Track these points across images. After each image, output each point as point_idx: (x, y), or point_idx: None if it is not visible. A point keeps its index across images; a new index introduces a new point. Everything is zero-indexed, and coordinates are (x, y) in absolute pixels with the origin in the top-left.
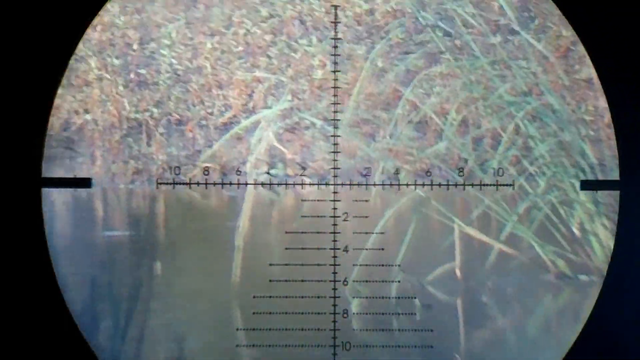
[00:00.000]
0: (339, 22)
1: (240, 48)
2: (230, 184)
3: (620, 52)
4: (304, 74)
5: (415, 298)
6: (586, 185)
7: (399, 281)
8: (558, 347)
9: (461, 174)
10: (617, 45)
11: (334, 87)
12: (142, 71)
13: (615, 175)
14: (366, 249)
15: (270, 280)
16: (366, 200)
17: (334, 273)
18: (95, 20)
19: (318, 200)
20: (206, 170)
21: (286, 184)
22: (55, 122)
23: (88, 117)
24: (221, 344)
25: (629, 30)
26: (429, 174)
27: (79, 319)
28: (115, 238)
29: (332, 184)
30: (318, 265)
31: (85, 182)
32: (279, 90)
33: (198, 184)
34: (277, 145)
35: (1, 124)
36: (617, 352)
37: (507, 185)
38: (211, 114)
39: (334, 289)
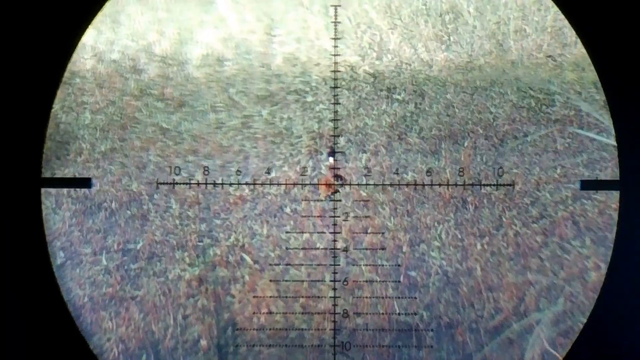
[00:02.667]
0: (339, 22)
1: (510, 249)
2: (230, 184)
3: (620, 52)
4: (577, 276)
5: (415, 298)
6: (586, 185)
7: (398, 281)
8: (559, 347)
9: (461, 174)
10: (617, 46)
11: None
12: (412, 273)
13: (615, 175)
14: (366, 249)
15: (270, 280)
16: (366, 200)
17: (334, 273)
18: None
19: (318, 201)
20: (206, 170)
21: (286, 184)
22: None
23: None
24: (221, 344)
25: (630, 31)
26: (429, 173)
27: (78, 319)
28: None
29: (331, 184)
30: (318, 265)
31: (85, 182)
32: (551, 292)
33: (198, 183)
34: (550, 350)
35: (1, 124)
36: (617, 352)
37: (507, 185)
38: (481, 317)
39: (334, 288)
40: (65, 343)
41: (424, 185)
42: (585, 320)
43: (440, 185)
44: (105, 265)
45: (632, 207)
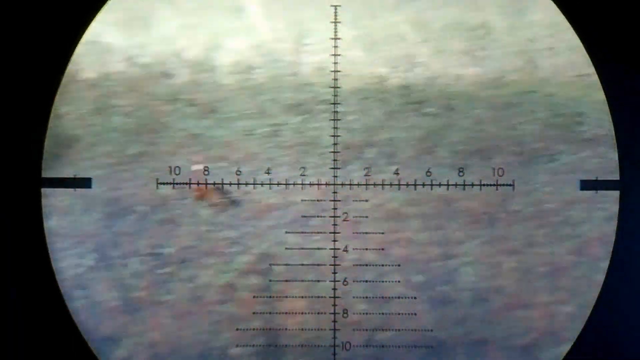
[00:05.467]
0: (339, 22)
1: (542, 269)
2: (230, 184)
3: (620, 51)
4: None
5: (415, 298)
6: (586, 185)
7: (398, 281)
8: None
9: (461, 173)
10: (617, 45)
11: None
12: (445, 288)
13: (615, 175)
14: (366, 249)
15: (270, 280)
16: (366, 200)
17: (334, 273)
18: None
19: (318, 200)
20: (206, 170)
21: (286, 184)
22: None
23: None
24: (221, 344)
25: (629, 30)
26: (429, 174)
27: (79, 319)
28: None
29: (332, 184)
30: (318, 265)
31: (85, 182)
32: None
33: (198, 183)
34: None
35: (1, 124)
36: (617, 352)
37: (507, 185)
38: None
39: (334, 289)
40: (65, 343)
41: (423, 184)
42: (585, 321)
43: (440, 185)
44: (136, 270)
45: (632, 207)
